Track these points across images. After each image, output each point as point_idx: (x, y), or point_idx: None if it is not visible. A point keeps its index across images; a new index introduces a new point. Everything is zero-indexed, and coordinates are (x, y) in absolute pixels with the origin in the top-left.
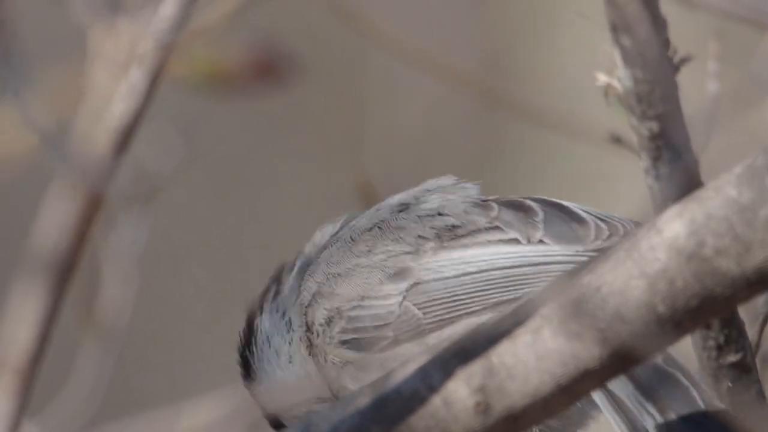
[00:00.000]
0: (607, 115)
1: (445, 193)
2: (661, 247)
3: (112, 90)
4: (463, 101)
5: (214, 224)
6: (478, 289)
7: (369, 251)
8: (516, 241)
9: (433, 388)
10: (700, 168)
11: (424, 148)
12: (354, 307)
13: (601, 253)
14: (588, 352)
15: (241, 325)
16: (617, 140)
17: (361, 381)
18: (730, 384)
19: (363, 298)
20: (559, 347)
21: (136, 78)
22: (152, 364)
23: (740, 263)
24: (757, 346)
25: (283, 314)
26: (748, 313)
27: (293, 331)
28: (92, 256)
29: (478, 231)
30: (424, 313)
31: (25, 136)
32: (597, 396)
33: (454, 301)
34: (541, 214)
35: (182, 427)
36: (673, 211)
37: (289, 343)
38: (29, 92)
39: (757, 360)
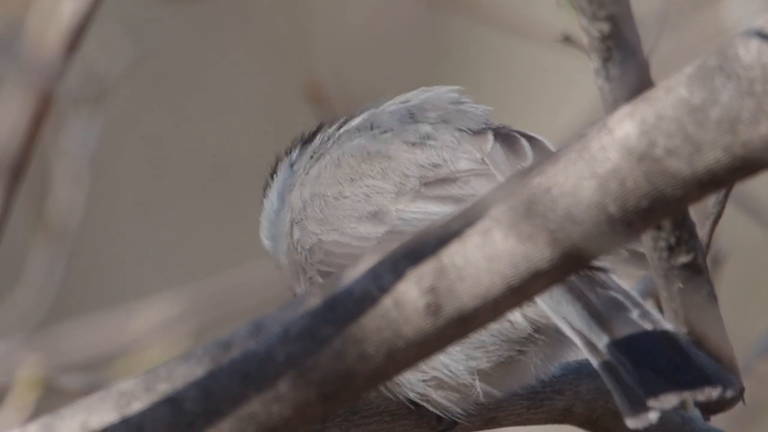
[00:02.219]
0: (557, 16)
1: (444, 113)
2: (612, 147)
3: None
4: (411, 1)
5: (162, 124)
6: None
7: (353, 180)
8: None
9: (383, 289)
10: (650, 69)
11: (371, 48)
12: (332, 242)
13: (552, 154)
14: (539, 254)
15: (195, 227)
16: (567, 40)
17: None
18: (681, 285)
19: (342, 234)
20: (509, 249)
21: None
22: (102, 264)
23: (691, 164)
24: (708, 246)
25: (282, 203)
26: (698, 214)
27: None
28: (42, 156)
29: (457, 176)
30: None
31: None
32: (558, 321)
33: None
34: (530, 159)
35: (132, 327)
36: (623, 111)
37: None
38: None
39: (708, 261)
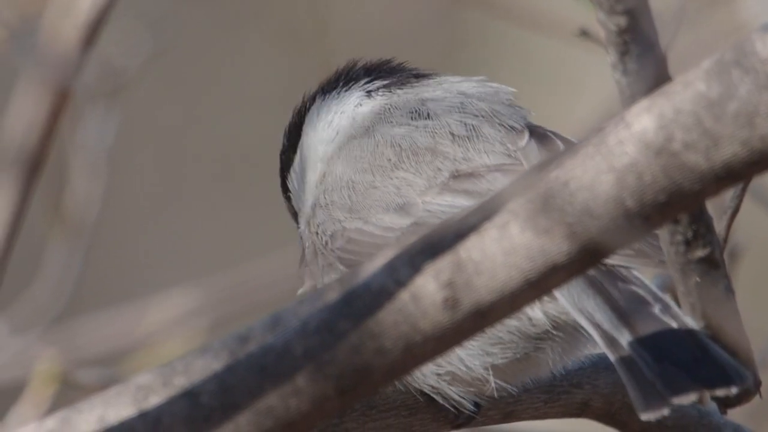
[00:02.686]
0: (574, 10)
1: (492, 109)
2: (630, 141)
3: None
4: None
5: (179, 118)
6: None
7: (386, 171)
8: None
9: (401, 283)
10: (668, 63)
11: (389, 41)
12: (355, 230)
13: (569, 148)
14: (556, 247)
15: (213, 220)
16: (585, 34)
17: None
18: (698, 279)
19: (366, 223)
20: (527, 242)
21: None
22: (120, 258)
23: (708, 158)
24: (725, 241)
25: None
26: (716, 208)
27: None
28: (60, 150)
29: (485, 171)
30: None
31: None
32: (577, 316)
33: None
34: None
35: (149, 321)
36: (641, 105)
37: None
38: None
39: (725, 255)
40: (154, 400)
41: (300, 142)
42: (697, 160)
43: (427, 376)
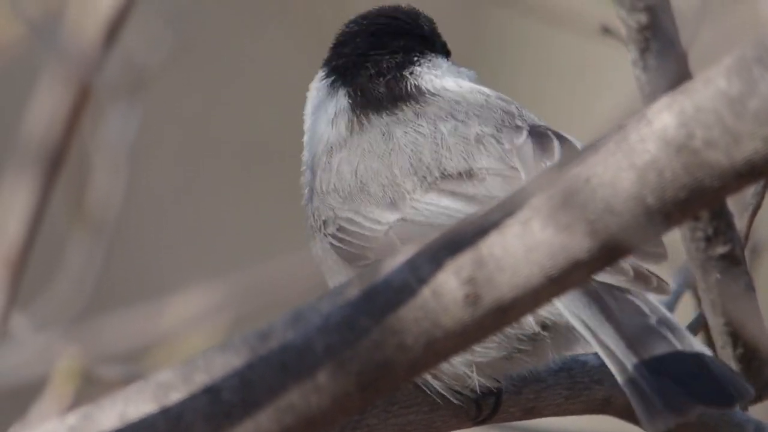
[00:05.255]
0: (595, 6)
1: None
2: (651, 138)
3: None
4: None
5: (201, 113)
6: None
7: (387, 164)
8: None
9: (422, 280)
10: (688, 60)
11: None
12: (345, 218)
13: (591, 144)
14: (577, 244)
15: (235, 217)
16: (606, 31)
17: (334, 282)
18: (718, 276)
19: (356, 213)
20: (548, 239)
21: None
22: (142, 255)
23: (729, 155)
24: (746, 238)
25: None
26: (737, 205)
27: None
28: (81, 147)
29: (474, 173)
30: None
31: (15, 26)
32: (586, 334)
33: None
34: (556, 158)
35: (170, 317)
36: (662, 102)
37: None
38: None
39: (747, 252)
40: (175, 397)
41: (308, 125)
42: (718, 158)
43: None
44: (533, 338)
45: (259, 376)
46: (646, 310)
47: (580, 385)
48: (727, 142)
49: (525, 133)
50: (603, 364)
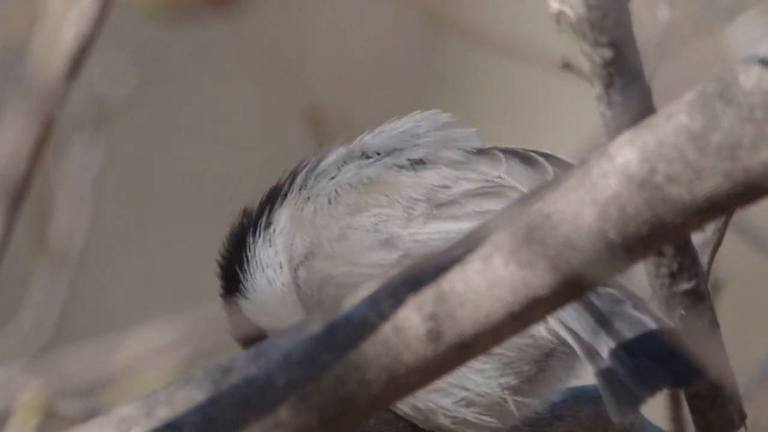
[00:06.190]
0: (557, 41)
1: (438, 134)
2: (613, 173)
3: (64, 14)
4: (410, 27)
5: (165, 150)
6: None
7: (357, 210)
8: None
9: (383, 316)
10: (652, 95)
11: (370, 73)
12: (342, 273)
13: (552, 180)
14: (539, 280)
15: (194, 252)
16: (568, 66)
17: None
18: (683, 312)
19: (354, 264)
20: (510, 275)
21: (87, 2)
22: (104, 289)
23: (691, 190)
24: (707, 274)
25: (275, 253)
26: (698, 241)
27: (283, 272)
28: (45, 181)
29: (467, 196)
30: None
31: None
32: (557, 326)
33: None
34: (551, 172)
35: (131, 352)
36: (624, 137)
37: (282, 284)
38: None
39: (709, 287)
40: None
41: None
42: (680, 193)
43: (446, 407)
44: (551, 354)
45: (221, 412)
46: (623, 297)
47: (542, 422)
48: (689, 177)
49: (500, 155)
50: (564, 400)
